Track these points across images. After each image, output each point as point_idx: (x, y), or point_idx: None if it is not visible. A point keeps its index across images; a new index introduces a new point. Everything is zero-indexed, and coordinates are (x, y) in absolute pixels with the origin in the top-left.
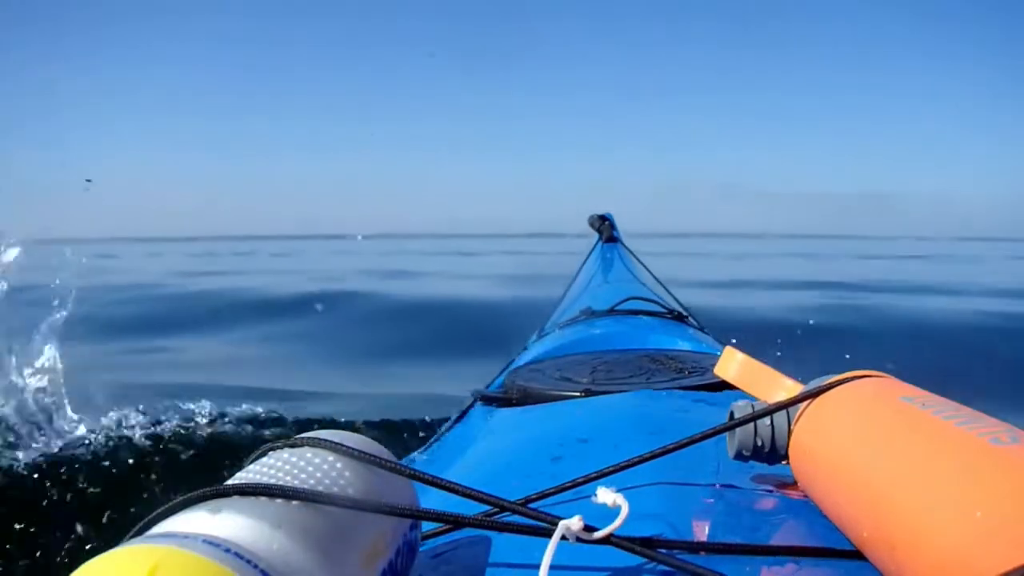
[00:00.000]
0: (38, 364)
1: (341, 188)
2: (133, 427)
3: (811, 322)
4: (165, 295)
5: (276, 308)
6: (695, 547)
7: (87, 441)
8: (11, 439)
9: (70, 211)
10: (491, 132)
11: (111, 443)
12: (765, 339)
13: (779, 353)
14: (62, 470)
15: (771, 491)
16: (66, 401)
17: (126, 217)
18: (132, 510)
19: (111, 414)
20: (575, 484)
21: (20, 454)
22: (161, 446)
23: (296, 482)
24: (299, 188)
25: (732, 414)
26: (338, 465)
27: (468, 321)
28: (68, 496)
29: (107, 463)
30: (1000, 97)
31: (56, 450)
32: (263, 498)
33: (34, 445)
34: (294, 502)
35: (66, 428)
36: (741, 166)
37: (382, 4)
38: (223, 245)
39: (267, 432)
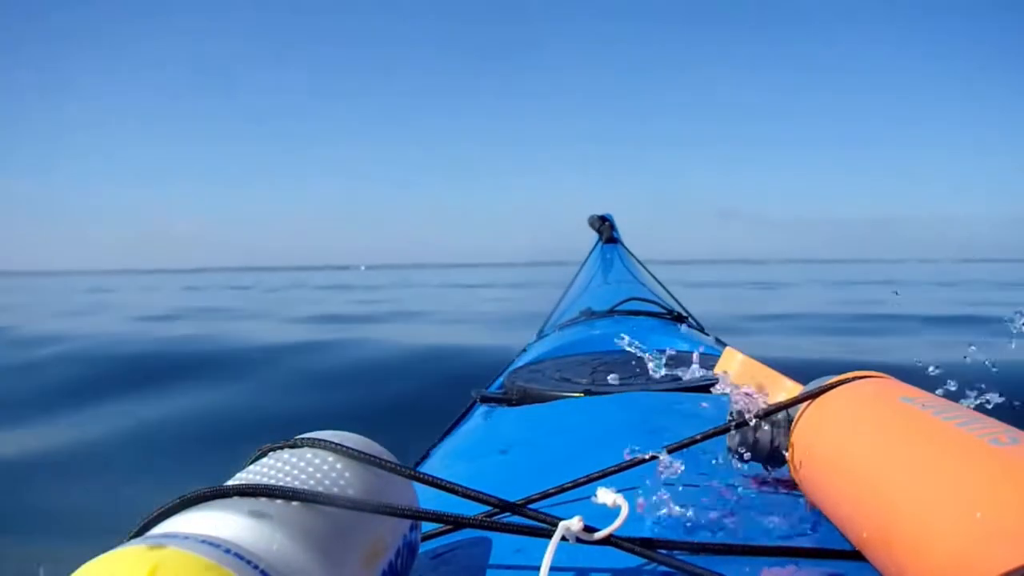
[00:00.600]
0: None
1: (348, 218)
2: None
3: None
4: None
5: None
6: (695, 547)
7: None
8: None
9: (63, 242)
10: (490, 162)
11: None
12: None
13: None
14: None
15: (771, 491)
16: None
17: (115, 249)
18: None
19: None
20: (575, 484)
21: None
22: None
23: (296, 482)
24: (306, 218)
25: (732, 414)
26: (338, 465)
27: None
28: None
29: None
30: (1000, 112)
31: None
32: (263, 498)
33: None
34: (294, 502)
35: None
36: (740, 192)
37: (386, 28)
38: (219, 277)
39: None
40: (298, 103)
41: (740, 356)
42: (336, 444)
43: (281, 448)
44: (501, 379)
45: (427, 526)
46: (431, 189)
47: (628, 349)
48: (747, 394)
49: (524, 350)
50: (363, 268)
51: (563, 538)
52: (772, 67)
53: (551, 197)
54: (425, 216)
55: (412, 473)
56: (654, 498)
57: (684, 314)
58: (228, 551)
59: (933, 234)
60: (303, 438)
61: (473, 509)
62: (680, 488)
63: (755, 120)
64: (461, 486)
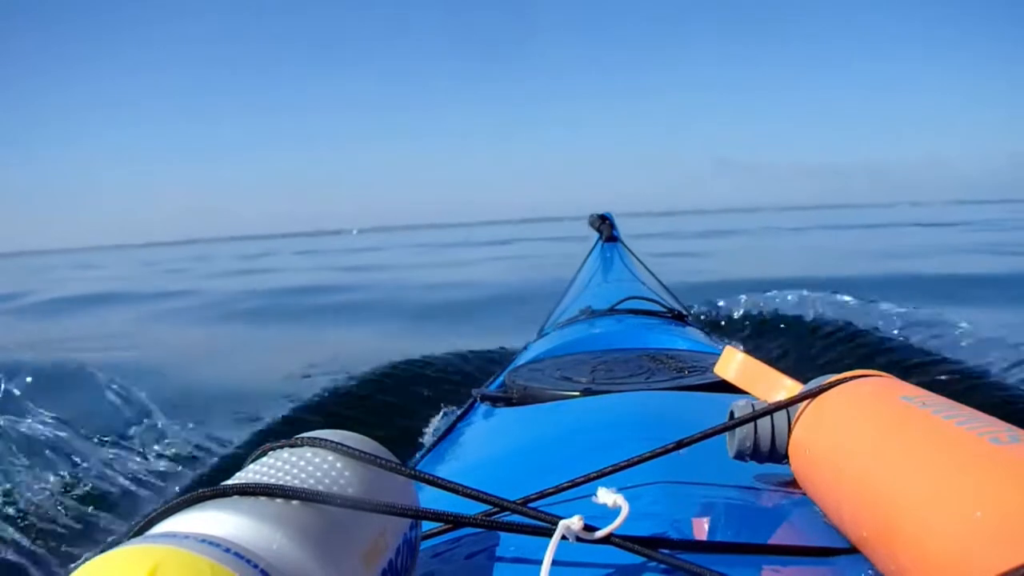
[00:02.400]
0: None
1: (340, 183)
2: None
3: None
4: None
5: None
6: (695, 547)
7: None
8: None
9: (56, 219)
10: (483, 118)
11: None
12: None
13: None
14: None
15: (771, 491)
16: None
17: (116, 222)
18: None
19: None
20: (575, 484)
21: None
22: None
23: (296, 482)
24: (300, 184)
25: (732, 414)
26: (338, 465)
27: None
28: None
29: None
30: (990, 59)
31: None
32: (263, 498)
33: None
34: (294, 502)
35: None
36: (733, 140)
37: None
38: (214, 248)
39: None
40: (294, 73)
41: (740, 355)
42: (336, 443)
43: (281, 447)
44: (501, 378)
45: (427, 525)
46: (428, 150)
47: (628, 348)
48: (747, 393)
49: (524, 349)
50: (355, 232)
51: (563, 537)
52: (763, 19)
53: (544, 154)
54: (417, 178)
55: (412, 472)
56: (654, 498)
57: (684, 313)
58: (228, 551)
59: (925, 177)
60: (303, 437)
61: (473, 508)
62: (680, 487)
63: (747, 69)
64: (461, 485)
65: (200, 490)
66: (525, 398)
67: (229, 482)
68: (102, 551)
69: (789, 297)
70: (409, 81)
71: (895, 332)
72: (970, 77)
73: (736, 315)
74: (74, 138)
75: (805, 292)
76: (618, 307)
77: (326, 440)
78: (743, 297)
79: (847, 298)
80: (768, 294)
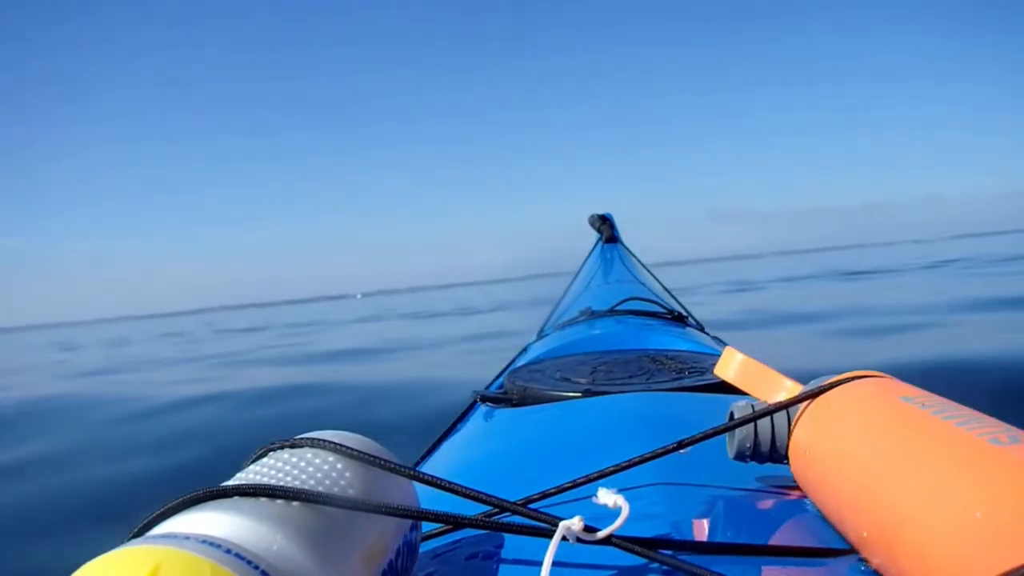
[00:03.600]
0: None
1: (341, 248)
2: None
3: None
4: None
5: None
6: (695, 547)
7: None
8: None
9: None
10: (482, 178)
11: None
12: None
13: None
14: None
15: (771, 491)
16: None
17: (121, 295)
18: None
19: None
20: (575, 484)
21: None
22: None
23: (296, 482)
24: (299, 251)
25: (732, 414)
26: (338, 465)
27: None
28: None
29: None
30: (987, 91)
31: None
32: (263, 498)
33: None
34: (294, 502)
35: None
36: (729, 190)
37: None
38: (216, 316)
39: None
40: (280, 144)
41: (740, 356)
42: (336, 444)
43: (281, 448)
44: (501, 379)
45: (427, 526)
46: (425, 213)
47: (628, 349)
48: (747, 393)
49: (524, 350)
50: (359, 296)
51: (564, 538)
52: (751, 61)
53: (544, 210)
54: (419, 240)
55: (412, 473)
56: (654, 498)
57: (684, 314)
58: (228, 551)
59: (924, 215)
60: (303, 438)
61: (473, 509)
62: (680, 488)
63: (739, 119)
64: (461, 486)
65: (200, 490)
66: (525, 399)
67: (229, 482)
68: (102, 552)
69: None
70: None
71: None
72: (968, 114)
73: None
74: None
75: None
76: (618, 308)
77: (326, 440)
78: None
79: None
80: None
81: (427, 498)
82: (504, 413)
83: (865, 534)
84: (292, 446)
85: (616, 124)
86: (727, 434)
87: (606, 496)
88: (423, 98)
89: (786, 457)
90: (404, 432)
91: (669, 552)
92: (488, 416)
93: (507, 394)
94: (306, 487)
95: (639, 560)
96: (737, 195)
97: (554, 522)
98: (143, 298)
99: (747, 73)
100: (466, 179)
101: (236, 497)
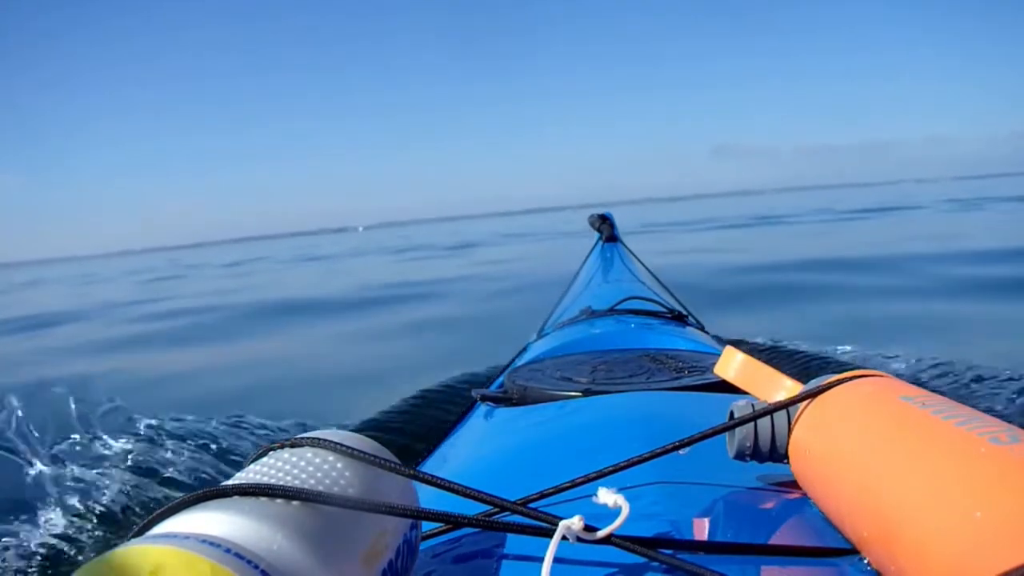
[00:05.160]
0: None
1: (345, 182)
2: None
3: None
4: None
5: None
6: (695, 547)
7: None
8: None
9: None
10: (486, 114)
11: None
12: None
13: None
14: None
15: (771, 491)
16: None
17: (126, 227)
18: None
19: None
20: (575, 484)
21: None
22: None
23: (296, 482)
24: (305, 186)
25: (732, 414)
26: (338, 465)
27: None
28: None
29: None
30: (986, 37)
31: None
32: (263, 498)
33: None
34: (294, 502)
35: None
36: (733, 126)
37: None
38: (215, 251)
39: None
40: (291, 80)
41: (740, 355)
42: (336, 444)
43: (281, 448)
44: (501, 378)
45: (427, 525)
46: (431, 149)
47: (628, 348)
48: (747, 393)
49: (524, 349)
50: (361, 229)
51: (564, 538)
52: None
53: (551, 148)
54: (423, 173)
55: (412, 473)
56: (654, 498)
57: (684, 313)
58: (228, 551)
59: (926, 155)
60: (303, 437)
61: (473, 509)
62: (680, 487)
63: (746, 55)
64: (461, 486)
65: (200, 490)
66: (525, 398)
67: (229, 482)
68: (103, 551)
69: None
70: (411, 88)
71: None
72: (969, 58)
73: None
74: (69, 154)
75: None
76: (618, 307)
77: (326, 440)
78: None
79: None
80: None
81: (427, 498)
82: (504, 412)
83: (865, 533)
84: (292, 446)
85: (621, 62)
86: (727, 433)
87: (606, 496)
88: (432, 41)
89: (786, 456)
90: None
91: (669, 551)
92: (488, 415)
93: (507, 393)
94: (306, 487)
95: (639, 559)
96: (739, 132)
97: (554, 522)
98: (142, 234)
99: (753, 9)
100: (473, 120)
101: (236, 497)
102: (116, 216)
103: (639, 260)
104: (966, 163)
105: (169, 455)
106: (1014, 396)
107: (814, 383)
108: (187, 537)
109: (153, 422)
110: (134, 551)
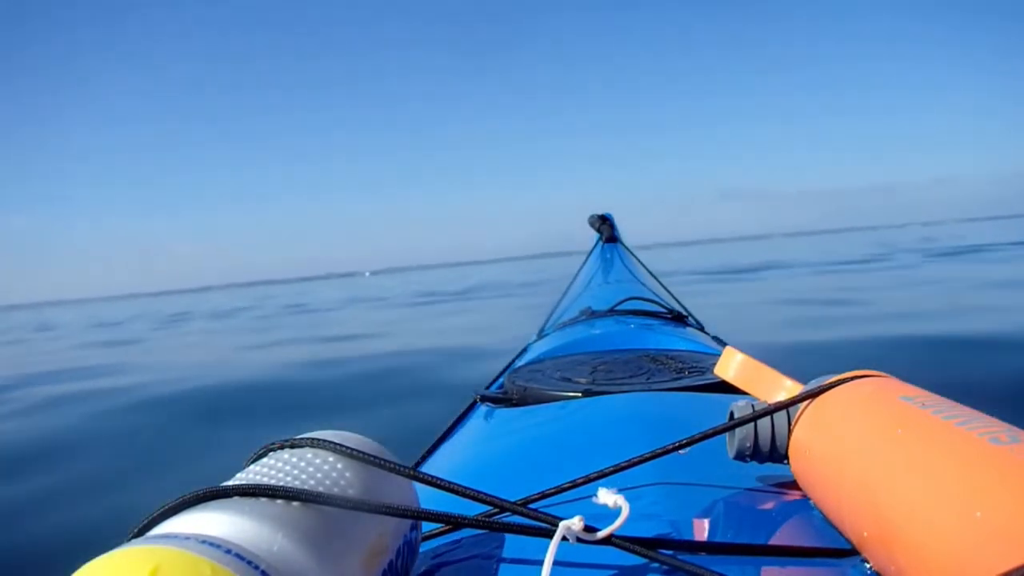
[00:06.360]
0: None
1: (352, 227)
2: None
3: None
4: None
5: None
6: (696, 547)
7: None
8: None
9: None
10: (493, 159)
11: None
12: None
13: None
14: None
15: (771, 491)
16: None
17: (129, 273)
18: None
19: None
20: (575, 484)
21: None
22: None
23: (296, 482)
24: (311, 231)
25: (732, 414)
26: (338, 465)
27: None
28: None
29: None
30: (994, 78)
31: None
32: (263, 498)
33: None
34: (294, 502)
35: None
36: (739, 170)
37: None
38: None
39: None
40: (286, 121)
41: (740, 355)
42: (336, 444)
43: (281, 448)
44: (501, 379)
45: (427, 526)
46: (434, 193)
47: (628, 348)
48: (747, 393)
49: (524, 350)
50: (367, 274)
51: (564, 538)
52: (765, 44)
53: (556, 192)
54: (429, 219)
55: (412, 473)
56: (654, 498)
57: (684, 313)
58: (228, 551)
59: (933, 196)
60: (303, 438)
61: (473, 509)
62: (680, 488)
63: (754, 98)
64: (461, 486)
65: (200, 490)
66: (525, 399)
67: (229, 482)
68: (102, 552)
69: None
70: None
71: None
72: (973, 96)
73: None
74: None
75: None
76: (618, 308)
77: (326, 440)
78: None
79: None
80: None
81: (427, 498)
82: (504, 413)
83: (865, 534)
84: (292, 446)
85: (624, 108)
86: (727, 434)
87: (606, 496)
88: (437, 80)
89: (786, 457)
90: None
91: (669, 552)
92: (488, 416)
93: (507, 394)
94: (306, 487)
95: (639, 560)
96: (747, 176)
97: (554, 522)
98: (151, 277)
99: (758, 52)
100: (479, 162)
101: (236, 497)
102: (127, 258)
103: (639, 261)
104: (974, 203)
105: None
106: (1014, 396)
107: (814, 383)
108: (187, 537)
109: None
110: (134, 551)
